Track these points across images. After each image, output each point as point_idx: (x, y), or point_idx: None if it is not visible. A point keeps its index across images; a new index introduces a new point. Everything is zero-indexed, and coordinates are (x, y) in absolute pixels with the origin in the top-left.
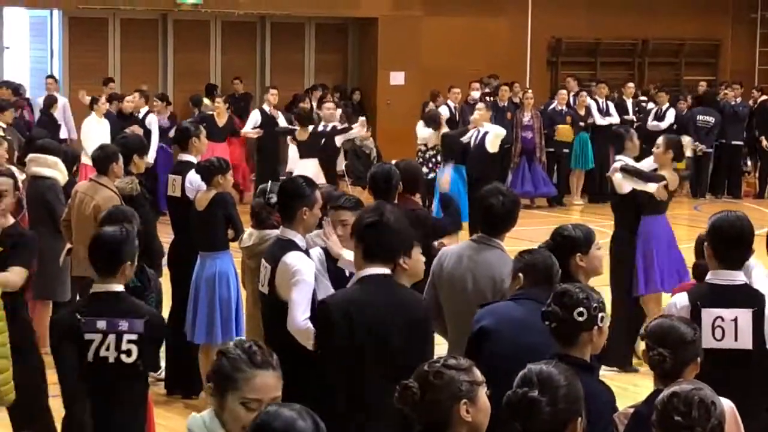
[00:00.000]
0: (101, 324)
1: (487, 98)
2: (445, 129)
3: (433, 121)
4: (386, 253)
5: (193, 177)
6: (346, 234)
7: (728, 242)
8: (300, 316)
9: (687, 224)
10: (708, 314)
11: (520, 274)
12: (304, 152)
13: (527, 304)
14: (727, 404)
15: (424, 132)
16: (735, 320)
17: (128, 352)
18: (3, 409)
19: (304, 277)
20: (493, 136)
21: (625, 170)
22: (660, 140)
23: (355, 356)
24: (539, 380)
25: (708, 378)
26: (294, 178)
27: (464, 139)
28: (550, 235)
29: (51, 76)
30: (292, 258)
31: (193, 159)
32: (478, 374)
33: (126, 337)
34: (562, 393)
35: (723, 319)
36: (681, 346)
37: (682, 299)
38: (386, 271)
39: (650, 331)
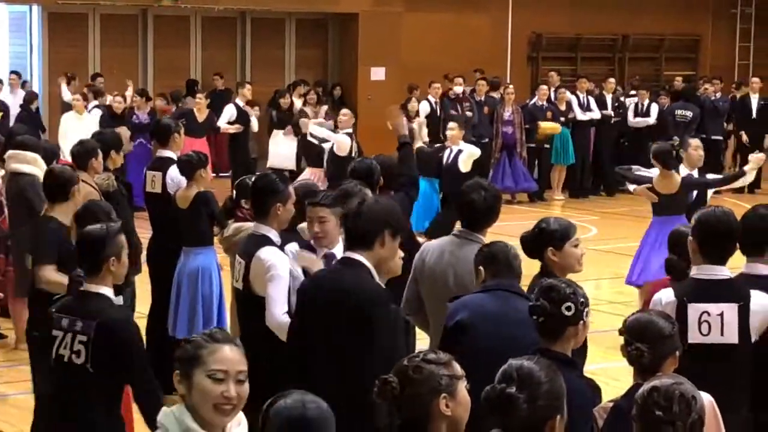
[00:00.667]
0: (65, 322)
1: (472, 96)
2: (418, 144)
3: (408, 135)
4: (360, 239)
5: (173, 173)
6: (324, 231)
7: (715, 237)
8: (278, 311)
9: None
10: (694, 309)
11: (481, 268)
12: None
13: (498, 294)
14: (706, 398)
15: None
16: (721, 315)
17: (78, 353)
18: (4, 404)
19: (279, 272)
20: (467, 156)
21: (618, 172)
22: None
23: (306, 334)
24: (519, 376)
25: (693, 372)
26: (267, 174)
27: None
28: (533, 226)
29: (15, 72)
30: (266, 253)
31: (172, 155)
32: (457, 368)
33: (78, 338)
34: (542, 390)
35: (709, 314)
36: (659, 341)
37: (668, 295)
38: (359, 257)
39: (628, 326)
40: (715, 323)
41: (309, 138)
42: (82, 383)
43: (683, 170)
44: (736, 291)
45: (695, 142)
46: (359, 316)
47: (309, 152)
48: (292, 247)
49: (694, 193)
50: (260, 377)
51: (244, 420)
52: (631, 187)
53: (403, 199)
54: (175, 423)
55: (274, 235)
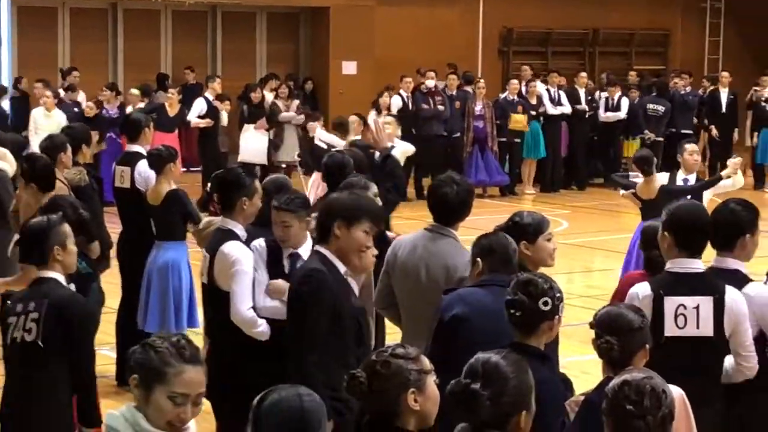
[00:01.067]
0: (18, 307)
1: (444, 90)
2: (352, 137)
3: (341, 128)
4: (318, 233)
5: (142, 168)
6: (286, 235)
7: (688, 231)
8: (243, 306)
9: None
10: (671, 302)
11: (479, 260)
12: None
13: (495, 290)
14: (677, 392)
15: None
16: (697, 308)
17: (29, 331)
18: None
19: (243, 267)
20: (400, 153)
21: (612, 178)
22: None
23: None
24: (484, 372)
25: (670, 365)
26: (233, 168)
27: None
28: (507, 219)
29: None
30: (230, 247)
31: (141, 149)
32: (426, 363)
33: (30, 316)
34: (508, 386)
35: (685, 307)
36: (629, 334)
37: (644, 288)
38: (319, 248)
39: (598, 319)
40: (691, 316)
41: (317, 142)
42: (35, 361)
43: (680, 175)
44: (711, 284)
45: (690, 147)
46: (292, 297)
47: (316, 156)
48: (259, 242)
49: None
50: (224, 371)
51: (192, 425)
52: (621, 191)
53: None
54: (127, 425)
55: (239, 230)
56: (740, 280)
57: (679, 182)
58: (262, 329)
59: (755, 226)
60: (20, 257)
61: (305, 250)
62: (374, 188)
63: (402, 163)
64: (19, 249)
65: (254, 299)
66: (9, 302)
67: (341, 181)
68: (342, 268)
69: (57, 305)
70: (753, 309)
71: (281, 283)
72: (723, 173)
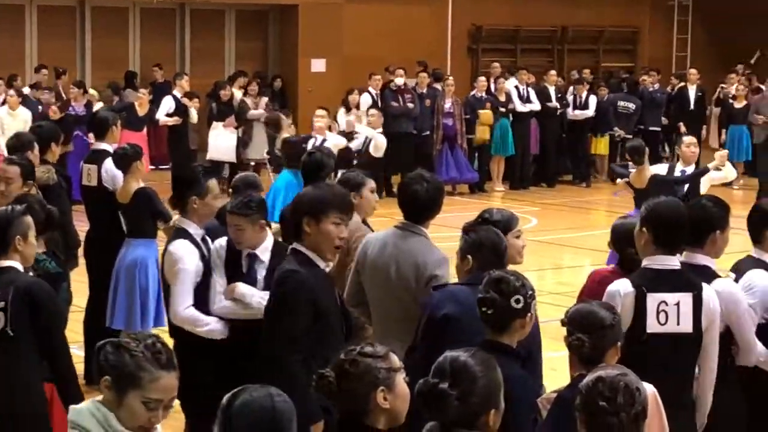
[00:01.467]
0: None
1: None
2: (286, 134)
3: (273, 125)
4: (295, 230)
5: (109, 166)
6: (239, 238)
7: (667, 227)
8: (180, 306)
9: (607, 209)
10: (653, 299)
11: (469, 256)
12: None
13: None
14: (649, 390)
15: (343, 121)
16: (677, 304)
17: None
18: None
19: (183, 266)
20: (332, 146)
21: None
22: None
23: None
24: (452, 371)
25: (653, 362)
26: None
27: (353, 145)
28: (476, 216)
29: None
30: (175, 246)
31: (108, 147)
32: (395, 361)
33: None
34: (477, 386)
35: (667, 304)
36: (600, 331)
37: (625, 286)
38: (297, 245)
39: (570, 316)
40: (672, 312)
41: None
42: (6, 349)
43: (679, 167)
44: (689, 280)
45: (688, 139)
46: (270, 299)
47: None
48: (220, 242)
49: (685, 186)
50: (182, 369)
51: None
52: (618, 180)
53: None
54: (96, 423)
55: (193, 229)
56: (709, 276)
57: (677, 173)
58: (210, 327)
59: (726, 222)
60: None
61: (264, 250)
62: (371, 183)
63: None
64: None
65: (210, 298)
66: None
67: (318, 180)
68: (321, 264)
69: (23, 291)
70: (720, 306)
71: (235, 285)
72: (710, 165)
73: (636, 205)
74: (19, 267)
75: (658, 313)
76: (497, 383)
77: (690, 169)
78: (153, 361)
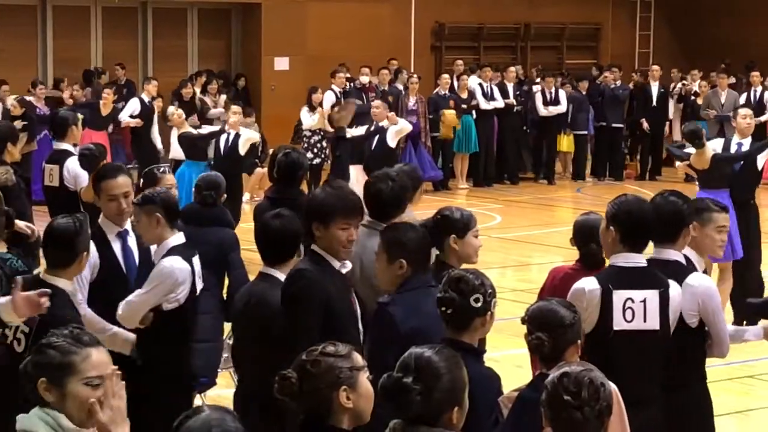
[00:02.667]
0: None
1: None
2: (184, 129)
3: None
4: (308, 231)
5: (71, 165)
6: (137, 230)
7: (634, 226)
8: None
9: (571, 207)
10: (619, 296)
11: (403, 261)
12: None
13: (431, 292)
14: (612, 388)
15: (308, 118)
16: (644, 301)
17: (18, 341)
18: None
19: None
20: (245, 140)
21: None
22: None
23: None
24: (417, 367)
25: (619, 360)
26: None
27: (353, 132)
28: (434, 213)
29: None
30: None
31: (70, 147)
32: (358, 359)
33: (20, 327)
34: (440, 382)
35: (633, 301)
36: (560, 330)
37: (591, 283)
38: (314, 246)
39: (530, 314)
40: (638, 309)
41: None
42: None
43: (735, 140)
44: (656, 278)
45: (744, 111)
46: (282, 298)
47: (352, 148)
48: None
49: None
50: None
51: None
52: (677, 163)
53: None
54: (47, 427)
55: (108, 228)
56: (683, 270)
57: (734, 147)
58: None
59: (694, 216)
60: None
61: (163, 248)
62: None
63: (246, 149)
64: (43, 249)
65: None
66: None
67: (294, 182)
68: (336, 263)
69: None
70: (696, 299)
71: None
72: None
73: (702, 185)
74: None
75: (624, 310)
76: (462, 381)
77: (746, 142)
78: (76, 343)
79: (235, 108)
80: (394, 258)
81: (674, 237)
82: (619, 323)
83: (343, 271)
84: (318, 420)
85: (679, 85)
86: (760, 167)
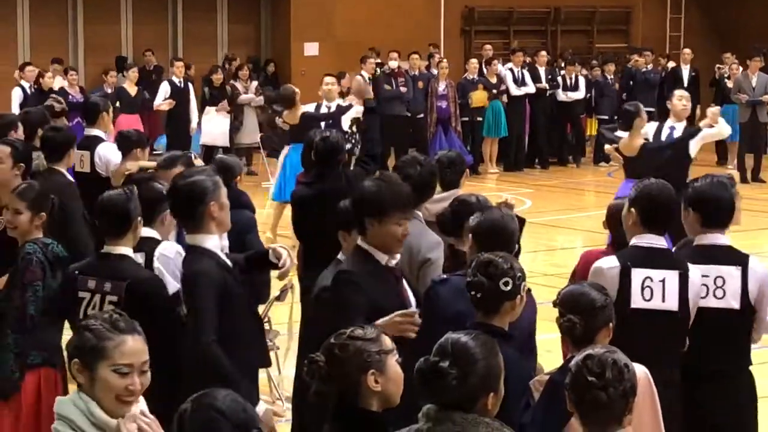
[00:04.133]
0: (91, 283)
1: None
2: (302, 109)
3: (288, 99)
4: (358, 225)
5: (102, 151)
6: (12, 222)
7: (656, 209)
8: None
9: (602, 191)
10: (638, 274)
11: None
12: (297, 136)
13: None
14: (641, 370)
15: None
16: (663, 281)
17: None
18: None
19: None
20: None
21: (600, 132)
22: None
23: None
24: (454, 352)
25: (635, 338)
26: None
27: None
28: (451, 201)
29: None
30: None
31: (101, 133)
32: (386, 343)
33: (108, 298)
34: (476, 367)
35: (652, 280)
36: (591, 312)
37: (610, 261)
38: (361, 242)
39: (562, 297)
40: (657, 289)
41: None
42: None
43: (669, 123)
44: (675, 260)
45: (679, 92)
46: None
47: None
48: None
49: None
50: None
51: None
52: (606, 146)
53: (360, 174)
54: (79, 413)
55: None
56: (736, 254)
57: (666, 130)
58: None
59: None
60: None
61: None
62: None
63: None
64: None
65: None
66: (78, 273)
67: (334, 166)
68: (383, 258)
69: (134, 289)
70: (757, 283)
71: None
72: (701, 123)
73: (627, 173)
74: (131, 253)
75: (642, 288)
76: (498, 367)
77: (680, 126)
78: (112, 329)
79: (327, 79)
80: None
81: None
82: (636, 301)
83: (393, 263)
84: (348, 402)
85: (717, 69)
86: (693, 154)
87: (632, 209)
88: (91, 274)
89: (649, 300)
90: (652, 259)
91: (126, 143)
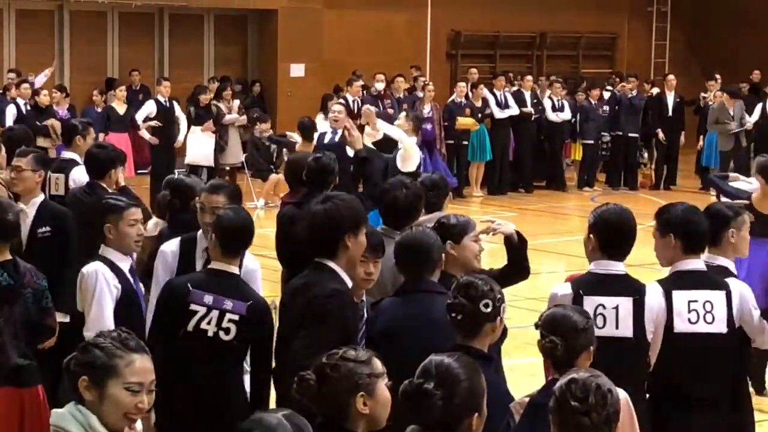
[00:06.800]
0: (208, 299)
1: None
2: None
3: (307, 131)
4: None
5: (76, 175)
6: None
7: (615, 234)
8: None
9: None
10: (590, 302)
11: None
12: None
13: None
14: (622, 395)
15: (323, 125)
16: (616, 308)
17: (227, 330)
18: None
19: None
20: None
21: (711, 180)
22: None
23: None
24: (438, 373)
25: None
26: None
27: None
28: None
29: None
30: None
31: (76, 156)
32: (377, 366)
33: (228, 316)
34: (460, 388)
35: (604, 307)
36: (573, 334)
37: (564, 288)
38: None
39: (544, 319)
40: (610, 316)
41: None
42: (225, 359)
43: None
44: (631, 285)
45: None
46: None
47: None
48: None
49: None
50: None
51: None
52: (723, 199)
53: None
54: (78, 425)
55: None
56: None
57: None
58: None
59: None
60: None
61: None
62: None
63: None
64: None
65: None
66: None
67: (324, 186)
68: (349, 283)
69: (256, 309)
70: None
71: None
72: None
73: (755, 233)
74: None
75: (595, 316)
76: (481, 388)
77: None
78: (122, 347)
79: (336, 107)
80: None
81: (719, 241)
82: None
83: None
84: (335, 423)
85: (702, 97)
86: None
87: (591, 235)
88: (208, 290)
89: (602, 327)
90: (605, 285)
91: (96, 165)
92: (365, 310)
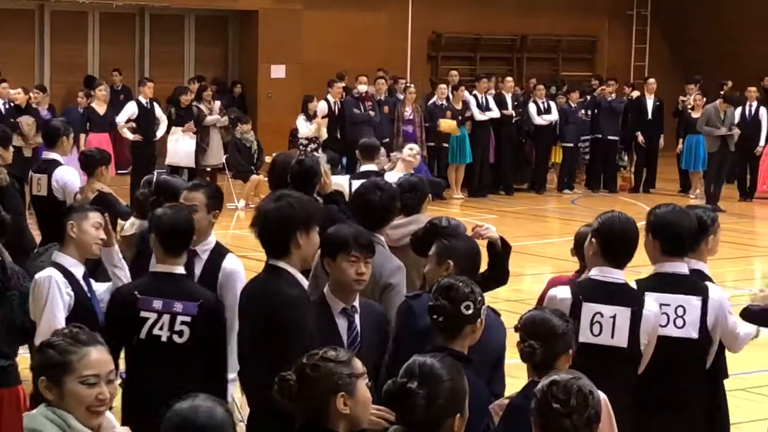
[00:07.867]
0: (157, 304)
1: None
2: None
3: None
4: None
5: (59, 176)
6: None
7: (618, 243)
8: None
9: (565, 218)
10: (588, 309)
11: (450, 261)
12: None
13: None
14: (602, 396)
15: (304, 127)
16: (613, 317)
17: (180, 333)
18: None
19: None
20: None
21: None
22: None
23: None
24: (421, 373)
25: (583, 372)
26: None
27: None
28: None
29: None
30: None
31: (59, 157)
32: (358, 366)
33: (179, 318)
34: (443, 388)
35: (602, 315)
36: (552, 338)
37: (564, 292)
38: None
39: (523, 323)
40: (606, 325)
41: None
42: (183, 361)
43: None
44: (630, 295)
45: None
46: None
47: None
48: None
49: None
50: None
51: (118, 427)
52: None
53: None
54: (54, 427)
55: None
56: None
57: None
58: None
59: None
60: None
61: None
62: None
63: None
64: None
65: None
66: (139, 293)
67: (310, 188)
68: (305, 284)
69: (207, 308)
70: (717, 312)
71: None
72: None
73: None
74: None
75: (592, 323)
76: (463, 389)
77: None
78: (74, 342)
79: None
80: (442, 257)
81: (697, 247)
82: (585, 336)
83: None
84: (315, 423)
85: (681, 100)
86: None
87: (593, 240)
88: (156, 295)
89: (597, 335)
90: (605, 293)
91: (90, 162)
92: (356, 317)
